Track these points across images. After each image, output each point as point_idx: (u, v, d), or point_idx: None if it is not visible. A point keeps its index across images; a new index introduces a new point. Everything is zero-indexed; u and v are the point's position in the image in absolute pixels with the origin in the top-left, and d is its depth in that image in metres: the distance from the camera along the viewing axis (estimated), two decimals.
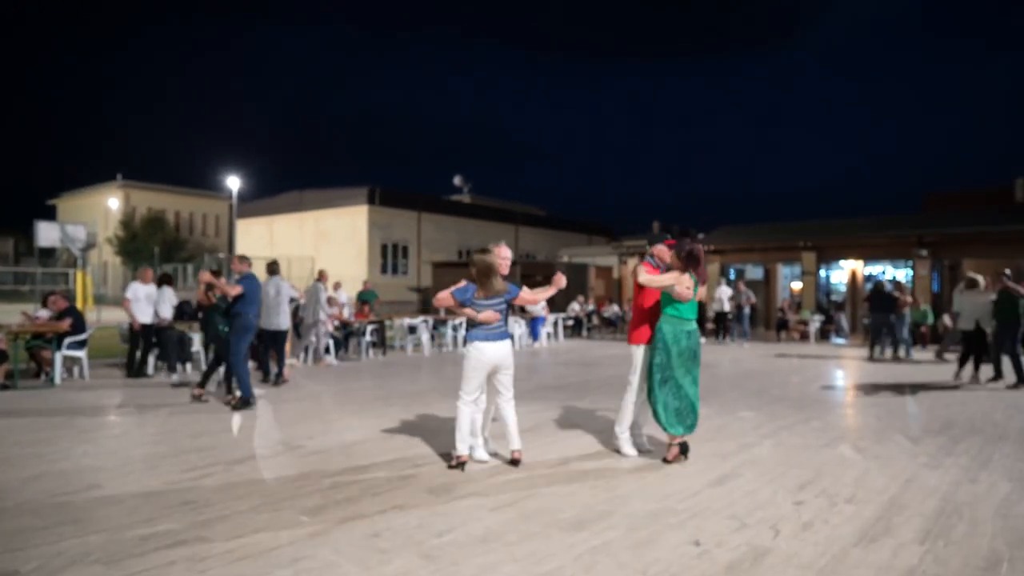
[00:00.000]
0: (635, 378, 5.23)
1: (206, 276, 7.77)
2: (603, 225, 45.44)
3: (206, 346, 7.84)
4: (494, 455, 5.17)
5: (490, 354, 4.78)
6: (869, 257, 20.61)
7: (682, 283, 4.89)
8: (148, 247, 41.35)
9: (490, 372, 4.87)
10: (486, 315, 4.77)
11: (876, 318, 13.34)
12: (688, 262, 4.96)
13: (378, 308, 15.63)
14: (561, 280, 5.05)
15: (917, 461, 5.21)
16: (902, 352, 13.51)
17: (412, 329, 14.18)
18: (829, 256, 20.89)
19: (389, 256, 33.88)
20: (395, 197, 33.97)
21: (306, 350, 11.71)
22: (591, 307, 21.52)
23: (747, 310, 17.01)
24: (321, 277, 11.62)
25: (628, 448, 5.26)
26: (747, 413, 7.21)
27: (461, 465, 4.78)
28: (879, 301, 13.28)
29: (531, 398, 8.13)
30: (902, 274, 19.63)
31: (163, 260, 39.33)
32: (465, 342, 4.88)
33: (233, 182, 27.82)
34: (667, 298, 5.01)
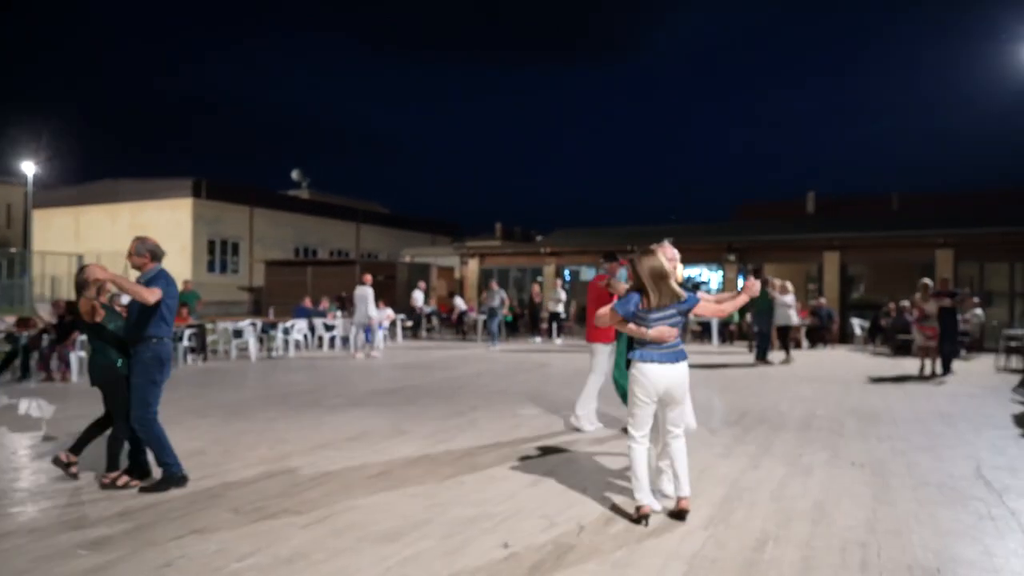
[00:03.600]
0: (598, 369, 6.56)
1: (98, 273, 4.52)
2: (447, 225, 45.62)
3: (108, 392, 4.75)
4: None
5: (659, 378, 3.94)
6: (687, 261, 22.42)
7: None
8: None
9: (659, 400, 4.04)
10: (658, 332, 3.93)
11: None
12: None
13: (201, 310, 14.50)
14: (755, 287, 4.41)
15: (713, 451, 5.73)
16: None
17: (238, 333, 13.33)
18: None
19: (217, 253, 31.66)
20: (224, 190, 31.81)
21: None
22: (431, 308, 21.44)
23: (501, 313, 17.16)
24: (364, 280, 13.79)
25: (589, 425, 6.57)
26: (567, 412, 7.54)
27: (645, 518, 3.87)
28: None
29: (361, 404, 7.95)
30: (717, 276, 21.61)
31: None
32: (628, 364, 4.09)
33: (28, 167, 24.65)
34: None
